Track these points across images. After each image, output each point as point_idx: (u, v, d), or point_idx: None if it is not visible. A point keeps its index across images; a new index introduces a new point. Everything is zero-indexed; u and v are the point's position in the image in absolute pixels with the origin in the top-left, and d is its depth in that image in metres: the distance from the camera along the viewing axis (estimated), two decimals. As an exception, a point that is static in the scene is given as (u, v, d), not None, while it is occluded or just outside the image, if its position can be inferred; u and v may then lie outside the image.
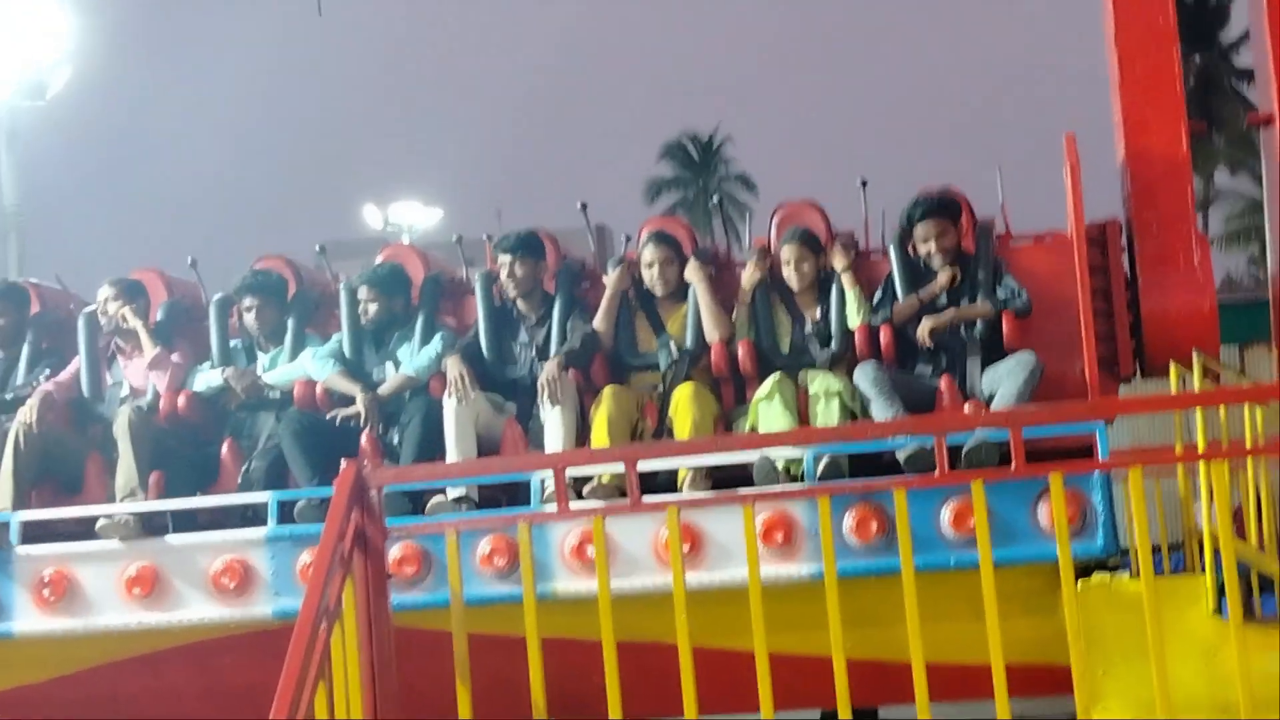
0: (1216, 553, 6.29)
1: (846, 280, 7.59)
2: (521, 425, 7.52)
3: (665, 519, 5.39)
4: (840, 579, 4.91)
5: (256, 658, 5.77)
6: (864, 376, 7.17)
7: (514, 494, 7.26)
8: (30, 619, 7.19)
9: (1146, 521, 4.98)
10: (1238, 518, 6.56)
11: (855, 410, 7.17)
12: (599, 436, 7.20)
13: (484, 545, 6.82)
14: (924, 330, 7.37)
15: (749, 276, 7.73)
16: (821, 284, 7.70)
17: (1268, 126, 8.05)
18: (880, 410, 7.05)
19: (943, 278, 7.52)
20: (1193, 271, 7.74)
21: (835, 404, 7.16)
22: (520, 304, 7.88)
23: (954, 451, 6.29)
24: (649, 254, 7.79)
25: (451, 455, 7.28)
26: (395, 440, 7.55)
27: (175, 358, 8.03)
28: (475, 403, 7.40)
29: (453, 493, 7.14)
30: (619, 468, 6.64)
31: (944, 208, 7.62)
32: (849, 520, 6.61)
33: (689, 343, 7.62)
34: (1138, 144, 7.86)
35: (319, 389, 7.78)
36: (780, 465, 6.89)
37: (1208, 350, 7.32)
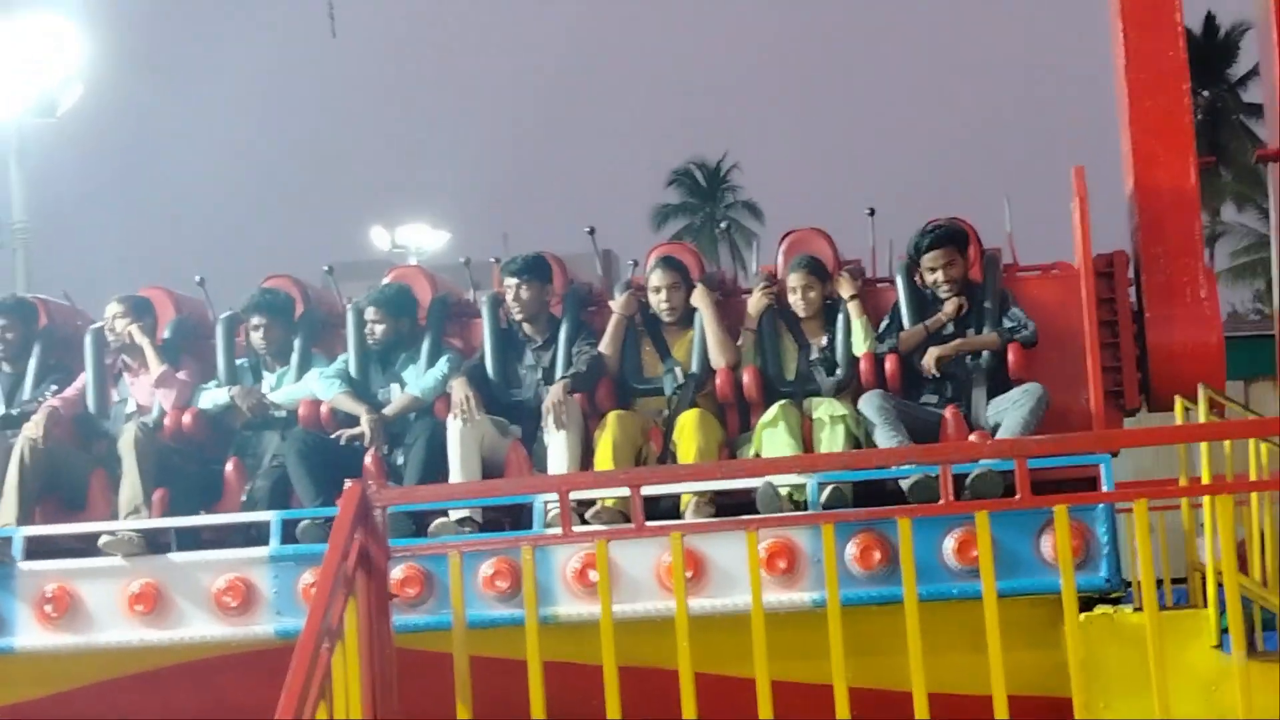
0: (1219, 587, 6.29)
1: (853, 308, 7.60)
2: (526, 448, 7.52)
3: (668, 544, 5.39)
4: (843, 607, 4.90)
5: (258, 677, 5.75)
6: (869, 405, 7.17)
7: (517, 517, 7.26)
8: (32, 635, 7.18)
9: (1150, 555, 4.98)
10: (1240, 552, 6.56)
11: (860, 436, 7.17)
12: (603, 461, 7.20)
13: (487, 567, 6.82)
14: (930, 359, 7.37)
15: (755, 303, 7.74)
16: (828, 312, 7.71)
17: (1277, 161, 8.06)
18: (885, 438, 7.05)
19: (949, 307, 7.53)
20: (1200, 305, 7.74)
21: (840, 430, 7.15)
22: (526, 327, 7.89)
23: (958, 481, 6.30)
24: (656, 279, 7.80)
25: (455, 477, 7.28)
26: (400, 461, 7.55)
27: (181, 375, 8.04)
28: (480, 425, 7.41)
29: (456, 514, 7.14)
30: (623, 492, 6.64)
31: (952, 238, 7.62)
32: (852, 548, 6.61)
33: (694, 368, 7.63)
34: (1146, 177, 7.88)
35: (324, 409, 7.79)
36: (784, 492, 6.88)
37: (1214, 384, 7.32)
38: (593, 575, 6.58)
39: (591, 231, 8.23)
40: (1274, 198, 8.32)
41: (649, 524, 5.54)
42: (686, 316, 7.80)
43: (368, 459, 7.51)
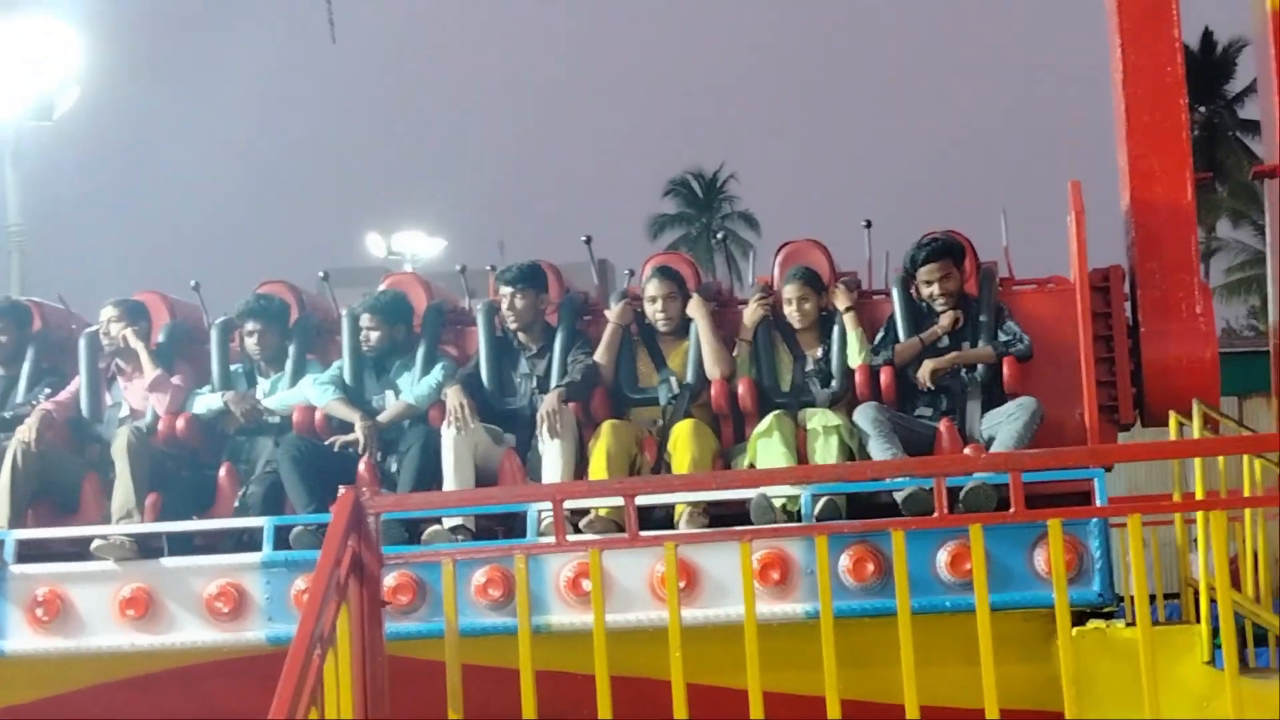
0: (1212, 603, 6.30)
1: (849, 320, 7.60)
2: (520, 457, 7.51)
3: (662, 554, 5.39)
4: (835, 619, 4.90)
5: (249, 683, 5.74)
6: (864, 417, 7.17)
7: (510, 525, 7.25)
8: (23, 638, 7.16)
9: (1143, 570, 4.98)
10: (1233, 568, 6.56)
11: (853, 447, 7.17)
12: (597, 470, 7.19)
13: (479, 576, 6.80)
14: (925, 372, 7.37)
15: (751, 314, 7.74)
16: (823, 323, 7.71)
17: (1273, 178, 8.07)
18: (879, 451, 7.05)
19: (945, 320, 7.53)
20: (1195, 321, 7.75)
21: (834, 440, 7.16)
22: (521, 335, 7.89)
23: (952, 494, 6.30)
24: (652, 288, 7.80)
25: (449, 485, 7.28)
26: (393, 468, 7.54)
27: (175, 380, 8.03)
28: (474, 433, 7.40)
29: (449, 522, 7.13)
30: (617, 501, 6.64)
31: (948, 251, 7.63)
32: (845, 560, 6.61)
33: (690, 378, 7.62)
34: (1143, 192, 7.88)
35: (318, 415, 7.78)
36: (778, 503, 6.88)
37: (1208, 400, 7.33)
38: (586, 584, 6.57)
39: (588, 240, 8.23)
40: (1270, 214, 8.33)
41: (643, 534, 5.53)
42: (682, 327, 7.79)
43: (361, 466, 7.50)
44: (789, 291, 7.70)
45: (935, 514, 5.07)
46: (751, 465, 7.18)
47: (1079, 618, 6.56)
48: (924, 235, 7.72)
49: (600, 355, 7.71)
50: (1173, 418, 7.23)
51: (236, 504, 7.54)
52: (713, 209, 54.30)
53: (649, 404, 7.65)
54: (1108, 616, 6.76)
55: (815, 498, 6.81)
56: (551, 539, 5.60)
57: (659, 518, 7.00)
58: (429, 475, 7.36)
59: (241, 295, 8.24)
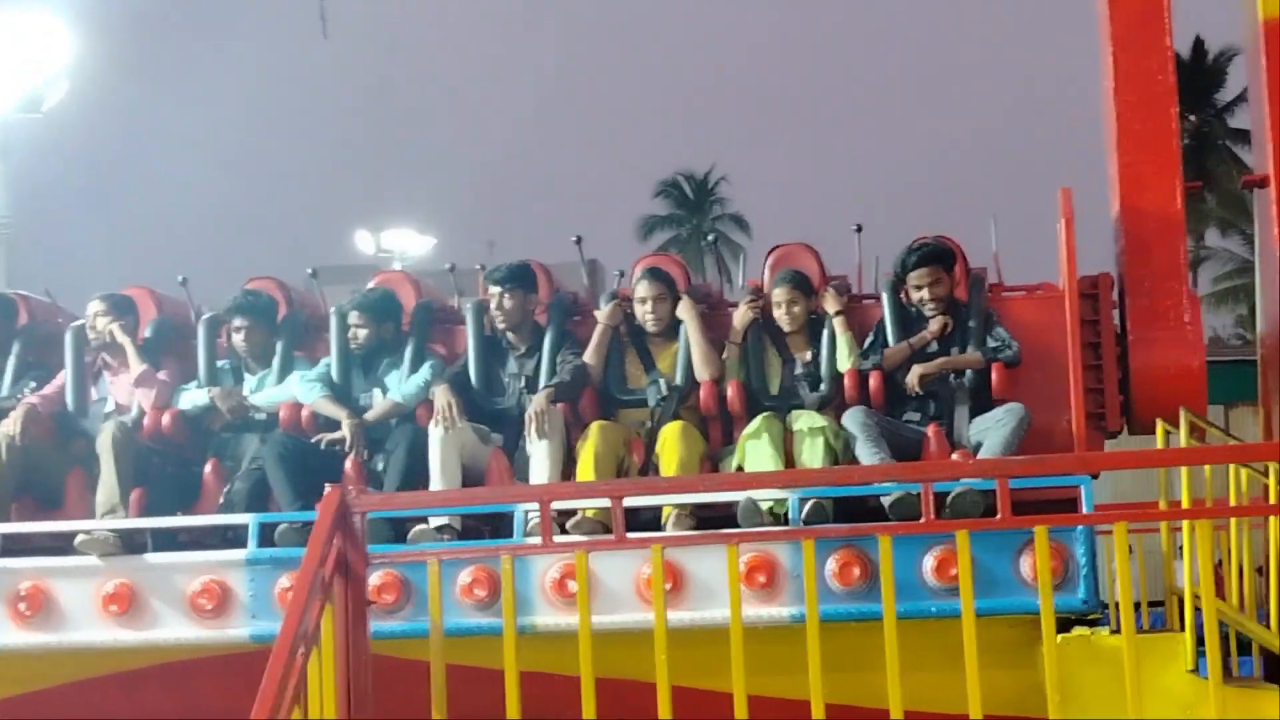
0: (1197, 611, 6.31)
1: (838, 324, 7.60)
2: (508, 457, 7.50)
3: (648, 556, 5.38)
4: (821, 623, 4.89)
5: (232, 681, 5.72)
6: (852, 421, 7.17)
7: (497, 525, 7.24)
8: (5, 633, 7.14)
9: (1129, 577, 4.98)
10: (1218, 577, 6.57)
11: (838, 449, 7.16)
12: (585, 471, 7.18)
13: (465, 576, 6.80)
14: (914, 377, 7.37)
15: (741, 316, 7.74)
16: (813, 327, 7.71)
17: (1263, 188, 8.08)
18: (867, 455, 7.05)
19: (934, 326, 7.54)
20: (1183, 329, 7.76)
21: (820, 440, 7.15)
22: (510, 335, 7.88)
23: (939, 499, 6.29)
24: (642, 290, 7.79)
25: (436, 484, 7.26)
26: (380, 467, 7.53)
27: (162, 375, 8.01)
28: (461, 432, 7.39)
29: (435, 521, 7.12)
30: (604, 503, 6.63)
31: (938, 256, 7.63)
32: (832, 564, 6.61)
33: (679, 380, 7.62)
34: (1133, 200, 7.90)
35: (305, 412, 7.76)
36: (765, 506, 6.88)
37: (1195, 408, 7.33)
38: (572, 585, 6.57)
39: (578, 240, 8.23)
40: (1259, 223, 8.34)
41: (629, 535, 5.52)
42: (671, 328, 7.79)
43: (347, 464, 7.48)
44: (779, 294, 7.69)
45: (922, 519, 5.07)
46: (740, 467, 7.17)
47: (1064, 624, 6.57)
48: (914, 240, 7.72)
49: (589, 356, 7.70)
50: (1160, 426, 7.23)
51: (221, 500, 7.52)
52: (703, 211, 54.26)
53: (638, 405, 7.65)
54: (1093, 624, 6.77)
55: (803, 501, 6.81)
56: (538, 539, 5.58)
57: (646, 519, 6.99)
58: (415, 474, 7.35)
59: (230, 291, 8.23)
